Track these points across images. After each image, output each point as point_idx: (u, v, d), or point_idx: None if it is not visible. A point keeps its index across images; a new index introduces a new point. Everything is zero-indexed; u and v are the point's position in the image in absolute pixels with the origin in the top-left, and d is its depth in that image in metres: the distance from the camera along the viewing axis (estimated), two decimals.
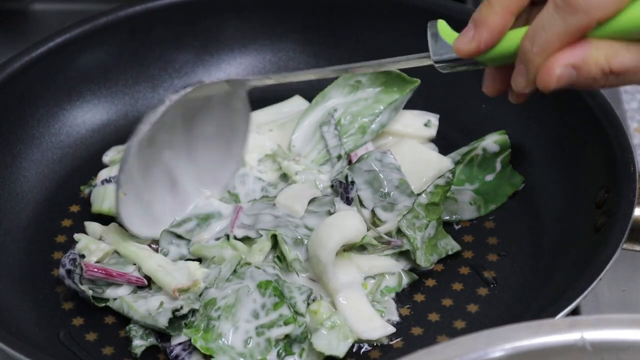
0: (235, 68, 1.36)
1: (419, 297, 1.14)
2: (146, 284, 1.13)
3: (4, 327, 1.06)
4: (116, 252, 1.14)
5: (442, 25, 1.05)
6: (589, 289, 1.04)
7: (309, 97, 1.28)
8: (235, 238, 1.14)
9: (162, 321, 1.08)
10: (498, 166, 1.24)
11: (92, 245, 1.13)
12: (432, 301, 1.14)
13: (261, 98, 1.32)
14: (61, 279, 1.13)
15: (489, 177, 1.24)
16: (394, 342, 1.10)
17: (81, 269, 1.11)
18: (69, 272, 1.12)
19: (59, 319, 1.13)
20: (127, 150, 1.10)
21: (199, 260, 1.15)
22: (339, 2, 1.34)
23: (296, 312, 1.08)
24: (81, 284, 1.12)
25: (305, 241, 1.13)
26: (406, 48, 1.33)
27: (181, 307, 1.08)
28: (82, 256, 1.13)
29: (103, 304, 1.13)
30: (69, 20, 1.31)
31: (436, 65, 1.05)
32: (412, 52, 1.32)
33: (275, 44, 1.37)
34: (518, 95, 1.04)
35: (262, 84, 1.16)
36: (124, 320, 1.12)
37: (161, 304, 1.09)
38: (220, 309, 1.08)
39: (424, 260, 1.14)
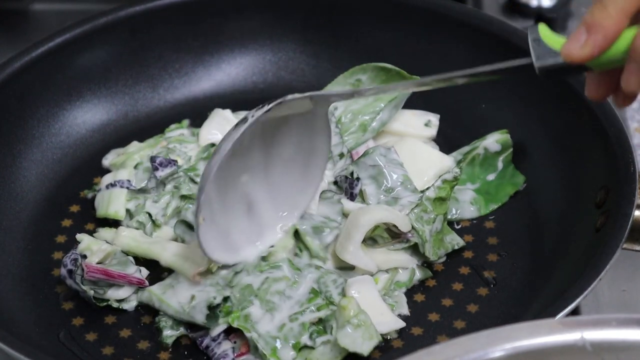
0: (235, 68, 1.36)
1: (419, 297, 1.14)
2: (147, 285, 1.13)
3: (4, 327, 1.06)
4: (122, 252, 1.14)
5: (543, 30, 0.99)
6: (589, 289, 1.03)
7: (285, 92, 1.28)
8: None
9: (200, 317, 1.08)
10: (500, 165, 1.24)
11: (94, 246, 1.13)
12: (432, 301, 1.14)
13: (259, 98, 1.32)
14: (62, 279, 1.13)
15: (491, 177, 1.24)
16: (393, 342, 1.10)
17: (82, 270, 1.11)
18: (70, 272, 1.12)
19: (59, 319, 1.13)
20: (207, 171, 1.05)
21: None
22: (339, 2, 1.34)
23: (330, 303, 1.10)
24: (83, 285, 1.12)
25: (326, 229, 1.14)
26: (406, 48, 1.33)
27: (214, 298, 1.08)
28: (84, 256, 1.13)
29: (104, 304, 1.13)
30: (69, 20, 1.31)
31: (539, 71, 0.99)
32: (412, 52, 1.32)
33: (275, 44, 1.37)
34: (625, 98, 1.00)
35: (346, 100, 1.13)
36: (124, 320, 1.13)
37: (193, 297, 1.09)
38: (258, 295, 1.09)
39: (432, 253, 1.14)
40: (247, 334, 1.07)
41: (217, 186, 1.08)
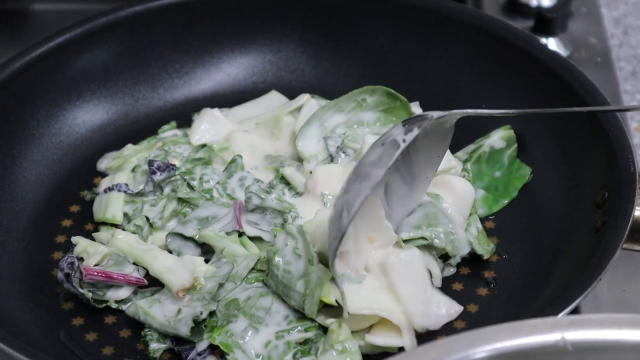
0: (235, 68, 1.36)
1: None
2: (146, 283, 1.13)
3: (4, 327, 1.06)
4: (117, 252, 1.14)
5: None
6: (589, 289, 1.03)
7: (285, 92, 1.31)
8: (245, 235, 1.15)
9: (184, 330, 1.07)
10: (505, 161, 1.24)
11: (91, 248, 1.13)
12: None
13: (241, 99, 1.33)
14: (60, 282, 1.13)
15: (497, 173, 1.24)
16: None
17: (81, 272, 1.11)
18: (67, 275, 1.12)
19: (59, 319, 1.13)
20: (357, 197, 1.01)
21: (206, 256, 1.15)
22: (339, 2, 1.34)
23: (320, 325, 1.08)
24: (81, 288, 1.11)
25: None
26: (406, 48, 1.33)
27: (201, 313, 1.07)
28: (81, 259, 1.13)
29: (103, 305, 1.13)
30: (69, 20, 1.31)
31: None
32: (412, 52, 1.32)
33: (275, 44, 1.37)
34: None
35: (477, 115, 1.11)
36: (124, 320, 1.13)
37: (179, 310, 1.09)
38: (242, 310, 1.08)
39: (484, 251, 1.16)
40: (228, 353, 1.06)
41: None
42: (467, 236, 1.15)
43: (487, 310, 1.13)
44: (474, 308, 1.13)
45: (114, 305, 1.13)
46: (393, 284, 1.08)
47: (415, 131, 1.04)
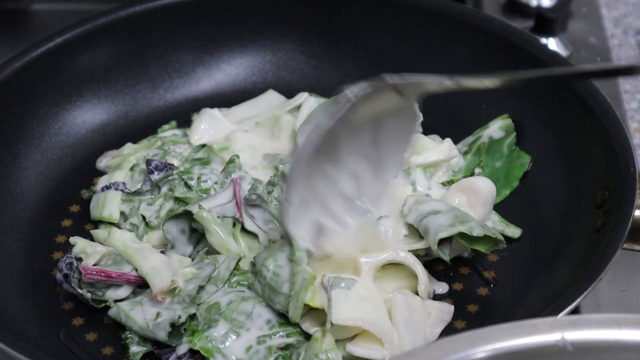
0: (235, 68, 1.36)
1: None
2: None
3: (4, 327, 1.06)
4: (114, 252, 1.14)
5: None
6: (589, 289, 1.03)
7: (284, 92, 1.31)
8: (244, 229, 1.14)
9: (162, 335, 1.07)
10: (505, 151, 1.24)
11: (89, 248, 1.13)
12: None
13: (240, 99, 1.33)
14: (59, 283, 1.13)
15: (498, 164, 1.24)
16: None
17: (79, 273, 1.11)
18: (66, 276, 1.12)
19: (59, 319, 1.13)
20: (306, 146, 1.04)
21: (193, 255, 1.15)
22: (339, 2, 1.34)
23: (302, 331, 1.08)
24: (80, 288, 1.11)
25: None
26: (406, 48, 1.33)
27: (179, 317, 1.07)
28: (79, 259, 1.12)
29: (102, 305, 1.13)
30: (69, 20, 1.31)
31: None
32: (412, 52, 1.32)
33: (275, 44, 1.37)
34: None
35: (441, 90, 1.06)
36: None
37: (158, 314, 1.08)
38: (223, 314, 1.08)
39: (515, 232, 1.18)
40: (208, 358, 1.05)
41: (305, 171, 1.05)
42: (494, 225, 1.16)
43: (487, 310, 1.13)
44: (474, 308, 1.13)
45: (113, 305, 1.13)
46: (395, 321, 1.08)
47: (368, 88, 1.05)
